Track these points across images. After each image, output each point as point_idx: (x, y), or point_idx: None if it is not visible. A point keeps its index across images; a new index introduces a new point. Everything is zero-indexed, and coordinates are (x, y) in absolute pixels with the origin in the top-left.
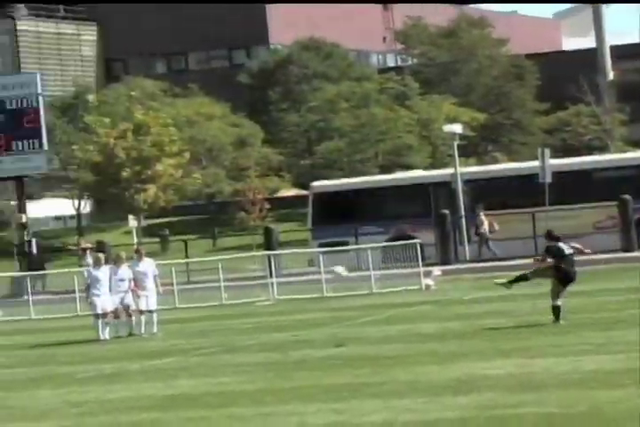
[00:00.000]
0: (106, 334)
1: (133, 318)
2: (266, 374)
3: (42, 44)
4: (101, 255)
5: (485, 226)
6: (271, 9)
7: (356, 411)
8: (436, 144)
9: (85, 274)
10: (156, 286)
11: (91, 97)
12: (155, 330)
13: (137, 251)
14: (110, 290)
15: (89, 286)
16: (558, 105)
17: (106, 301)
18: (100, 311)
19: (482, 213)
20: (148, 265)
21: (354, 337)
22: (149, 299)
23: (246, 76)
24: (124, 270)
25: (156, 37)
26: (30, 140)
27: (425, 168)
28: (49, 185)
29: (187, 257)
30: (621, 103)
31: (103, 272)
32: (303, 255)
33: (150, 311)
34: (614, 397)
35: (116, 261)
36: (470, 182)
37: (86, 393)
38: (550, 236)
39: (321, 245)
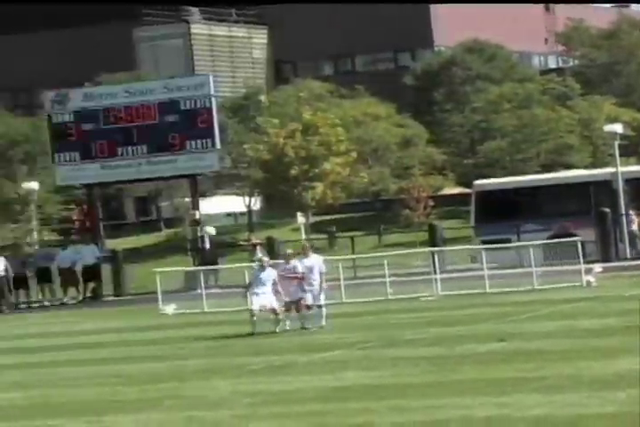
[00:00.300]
0: (277, 328)
1: (302, 312)
2: (429, 367)
3: (214, 46)
4: (266, 258)
5: (635, 225)
6: (436, 10)
7: (519, 405)
8: (597, 144)
9: (255, 267)
10: (321, 282)
11: (262, 98)
12: (323, 323)
13: (304, 247)
14: (275, 285)
15: (251, 284)
16: None
17: (265, 298)
18: (254, 308)
19: (632, 212)
20: (314, 261)
21: (516, 332)
22: (316, 294)
23: (411, 78)
24: (294, 266)
25: (324, 40)
26: (203, 140)
27: (585, 167)
28: (221, 183)
29: (353, 253)
30: None
31: (266, 273)
32: (466, 252)
33: (319, 306)
34: None
35: (285, 257)
36: (630, 181)
37: (257, 384)
38: None
39: (483, 242)
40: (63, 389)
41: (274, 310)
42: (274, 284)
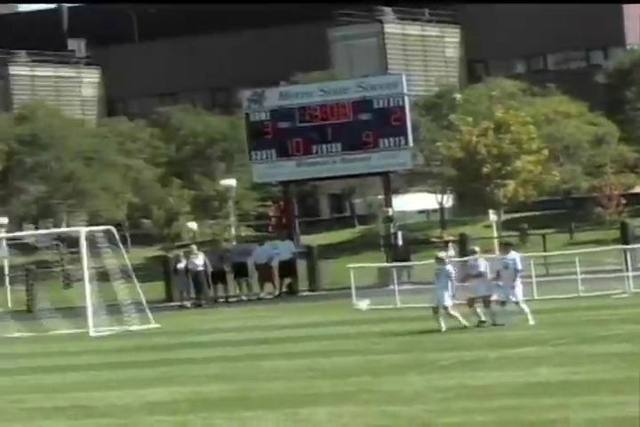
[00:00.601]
0: (464, 321)
1: (491, 308)
2: (621, 364)
3: (407, 46)
4: (443, 254)
5: None
6: (628, 10)
7: None
8: None
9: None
10: (514, 279)
11: (458, 96)
12: (530, 319)
13: (501, 244)
14: (450, 282)
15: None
16: None
17: (441, 295)
18: (433, 304)
19: None
20: (511, 258)
21: None
22: (510, 290)
23: (603, 76)
24: (480, 263)
25: (516, 39)
26: (396, 138)
27: None
28: (413, 180)
29: (545, 250)
30: None
31: (444, 270)
32: None
33: (516, 303)
34: None
35: (471, 254)
36: None
37: (449, 379)
38: None
39: None
40: (260, 382)
41: (445, 307)
42: (450, 280)
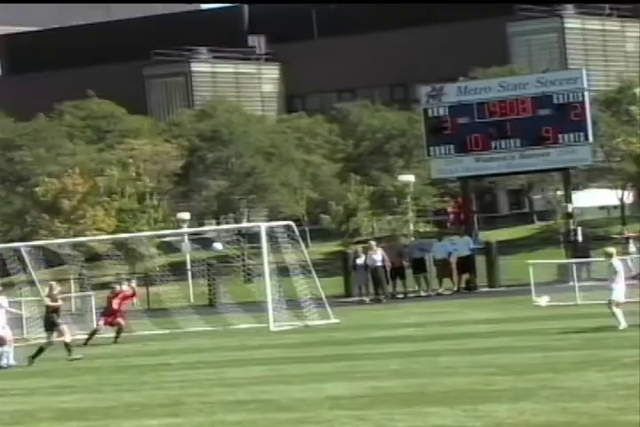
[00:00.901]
0: (622, 321)
1: None
2: None
3: (587, 40)
4: (612, 249)
5: None
6: None
7: None
8: None
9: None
10: None
11: (638, 91)
12: None
13: None
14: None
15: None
16: None
17: (618, 292)
18: (608, 301)
19: None
20: None
21: None
22: None
23: None
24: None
25: None
26: (575, 133)
27: None
28: (593, 176)
29: None
30: None
31: (615, 266)
32: None
33: None
34: None
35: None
36: None
37: (631, 377)
38: None
39: None
40: (440, 377)
41: (610, 302)
42: (619, 277)
